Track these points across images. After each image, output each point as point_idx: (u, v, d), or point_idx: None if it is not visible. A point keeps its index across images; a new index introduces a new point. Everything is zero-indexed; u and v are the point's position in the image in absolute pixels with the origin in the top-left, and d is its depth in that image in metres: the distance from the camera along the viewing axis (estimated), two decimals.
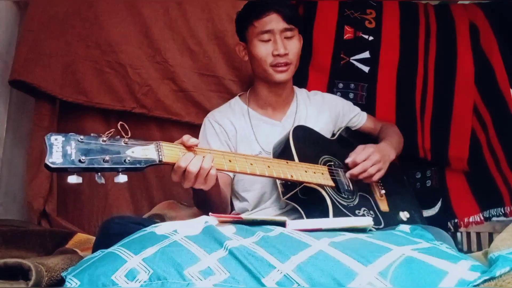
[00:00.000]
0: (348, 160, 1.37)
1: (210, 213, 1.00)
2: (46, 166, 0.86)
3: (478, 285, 0.73)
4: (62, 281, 0.88)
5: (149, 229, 0.93)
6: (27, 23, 1.73)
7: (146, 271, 0.79)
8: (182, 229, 0.91)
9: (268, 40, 1.41)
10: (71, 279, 0.81)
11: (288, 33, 1.42)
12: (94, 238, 1.14)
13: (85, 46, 1.76)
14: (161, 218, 1.52)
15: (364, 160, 1.36)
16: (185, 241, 0.87)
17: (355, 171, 1.35)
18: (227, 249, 0.84)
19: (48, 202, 1.69)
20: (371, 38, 1.92)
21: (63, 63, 1.73)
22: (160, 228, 0.92)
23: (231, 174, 1.43)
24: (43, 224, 1.67)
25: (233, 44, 1.81)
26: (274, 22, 1.40)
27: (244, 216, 1.20)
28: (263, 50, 1.41)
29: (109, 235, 1.00)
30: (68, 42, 1.74)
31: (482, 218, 1.84)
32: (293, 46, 1.43)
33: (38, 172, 1.69)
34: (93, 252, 0.99)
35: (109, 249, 0.88)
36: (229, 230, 0.93)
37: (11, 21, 1.81)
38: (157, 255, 0.82)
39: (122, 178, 0.94)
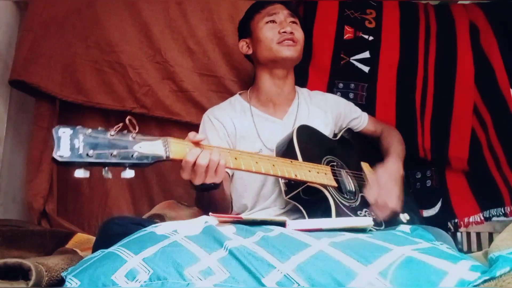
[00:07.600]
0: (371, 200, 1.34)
1: (210, 213, 1.00)
2: (54, 159, 0.85)
3: (478, 285, 0.73)
4: (62, 281, 0.88)
5: (149, 229, 0.93)
6: (27, 23, 1.73)
7: (146, 271, 0.79)
8: (182, 229, 0.91)
9: (274, 22, 1.49)
10: (71, 279, 0.81)
11: (292, 19, 1.51)
12: (94, 238, 1.14)
13: (85, 46, 1.76)
14: (161, 218, 1.51)
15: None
16: (185, 241, 0.86)
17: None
18: (227, 249, 0.84)
19: (48, 202, 1.69)
20: (371, 38, 1.92)
21: (63, 63, 1.73)
22: (160, 228, 0.92)
23: (229, 172, 1.43)
24: (43, 224, 1.67)
25: (233, 44, 1.81)
26: (278, 8, 1.51)
27: (244, 216, 1.20)
28: (270, 31, 1.47)
29: (108, 235, 1.00)
30: (68, 42, 1.74)
31: (482, 218, 1.84)
32: (298, 31, 1.49)
33: (38, 172, 1.69)
34: (93, 252, 0.99)
35: (109, 249, 0.87)
36: (229, 230, 0.93)
37: (11, 21, 1.81)
38: (157, 255, 0.82)
39: (129, 174, 0.93)
